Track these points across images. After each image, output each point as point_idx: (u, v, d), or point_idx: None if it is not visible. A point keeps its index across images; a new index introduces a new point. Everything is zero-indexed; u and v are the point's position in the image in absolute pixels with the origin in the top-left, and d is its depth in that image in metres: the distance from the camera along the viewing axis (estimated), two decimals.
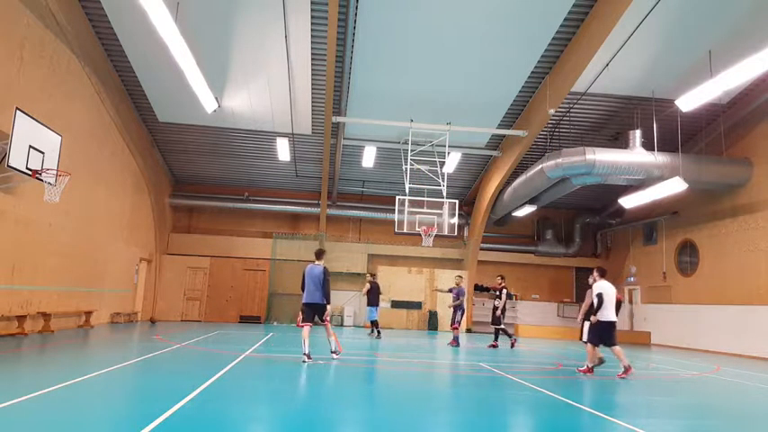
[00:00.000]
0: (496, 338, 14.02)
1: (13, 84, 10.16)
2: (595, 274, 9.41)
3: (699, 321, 16.89)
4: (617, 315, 9.24)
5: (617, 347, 8.96)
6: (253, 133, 17.20)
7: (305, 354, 8.58)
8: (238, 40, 12.92)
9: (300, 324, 8.85)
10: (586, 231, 22.34)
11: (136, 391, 6.24)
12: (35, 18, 10.67)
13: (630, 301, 21.13)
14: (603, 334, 9.02)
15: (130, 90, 15.12)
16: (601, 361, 9.34)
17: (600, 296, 8.99)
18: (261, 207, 20.75)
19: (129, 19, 12.12)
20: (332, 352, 9.41)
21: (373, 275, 17.17)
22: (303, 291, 8.94)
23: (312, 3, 11.64)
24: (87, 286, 13.96)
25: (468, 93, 14.72)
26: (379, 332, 15.04)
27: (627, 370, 8.88)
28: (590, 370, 9.16)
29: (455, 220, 14.26)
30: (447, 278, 20.99)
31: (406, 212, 13.82)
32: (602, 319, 8.96)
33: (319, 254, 9.26)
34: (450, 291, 14.02)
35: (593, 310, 9.07)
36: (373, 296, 15.55)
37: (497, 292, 14.11)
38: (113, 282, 15.70)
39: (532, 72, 13.81)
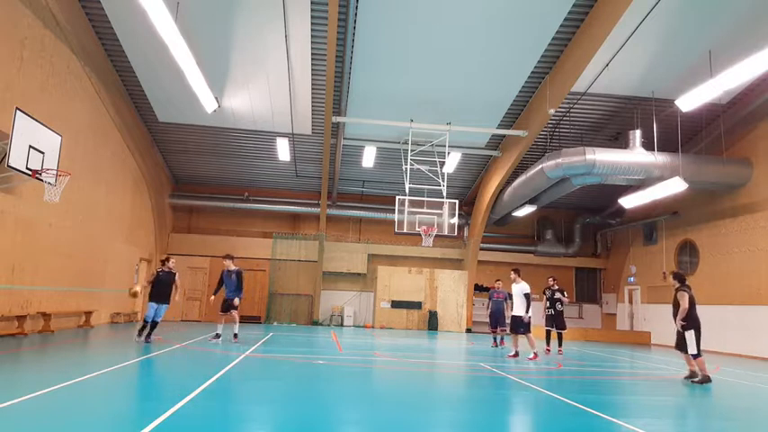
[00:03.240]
0: (561, 343, 12.77)
1: (13, 84, 10.16)
2: (514, 275, 11.36)
3: None
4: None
5: (530, 335, 11.21)
6: (253, 133, 17.20)
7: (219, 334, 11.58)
8: (238, 40, 12.91)
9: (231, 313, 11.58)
10: (586, 231, 22.34)
11: (136, 391, 6.24)
12: (35, 18, 10.67)
13: (630, 302, 21.13)
14: (522, 325, 11.10)
15: (130, 90, 15.12)
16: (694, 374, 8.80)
17: (528, 296, 11.05)
18: (261, 207, 20.75)
19: (129, 19, 12.12)
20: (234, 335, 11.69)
21: (166, 260, 11.35)
22: (223, 288, 11.74)
23: (312, 3, 11.64)
24: (87, 286, 13.96)
25: (469, 93, 14.72)
26: (149, 334, 10.73)
27: (516, 355, 11.01)
28: (535, 356, 10.94)
29: (455, 220, 14.25)
30: (447, 278, 21.00)
31: (406, 212, 13.82)
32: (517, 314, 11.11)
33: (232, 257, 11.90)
34: (499, 297, 13.50)
35: (525, 308, 11.02)
36: (158, 289, 10.79)
37: (553, 294, 13.08)
38: (113, 282, 15.69)
39: (532, 72, 13.81)
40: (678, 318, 8.64)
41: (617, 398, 7.25)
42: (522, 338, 11.56)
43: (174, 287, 10.98)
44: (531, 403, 6.42)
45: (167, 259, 11.30)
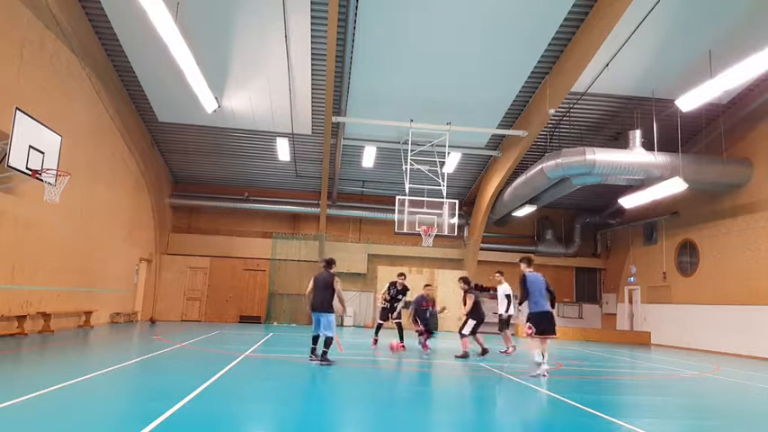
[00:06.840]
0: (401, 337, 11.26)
1: (13, 84, 10.17)
2: (499, 276, 12.25)
3: (699, 321, 16.88)
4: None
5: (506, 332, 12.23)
6: (253, 133, 17.20)
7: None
8: (238, 40, 12.91)
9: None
10: (586, 231, 22.33)
11: (136, 390, 6.24)
12: (35, 18, 10.67)
13: (630, 302, 21.14)
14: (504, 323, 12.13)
15: (130, 90, 15.12)
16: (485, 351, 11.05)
17: (509, 296, 11.93)
18: (261, 207, 20.75)
19: (129, 19, 12.12)
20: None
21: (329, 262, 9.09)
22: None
23: (312, 3, 11.64)
24: (87, 286, 13.96)
25: (469, 93, 14.72)
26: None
27: (513, 349, 11.88)
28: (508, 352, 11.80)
29: (455, 220, 14.25)
30: (447, 278, 20.96)
31: (406, 212, 13.81)
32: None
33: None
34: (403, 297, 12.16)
35: (504, 307, 11.99)
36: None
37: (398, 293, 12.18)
38: (113, 282, 15.69)
39: (532, 72, 13.80)
40: (464, 311, 11.13)
41: (617, 398, 7.25)
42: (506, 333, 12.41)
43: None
44: (532, 403, 6.42)
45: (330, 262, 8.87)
